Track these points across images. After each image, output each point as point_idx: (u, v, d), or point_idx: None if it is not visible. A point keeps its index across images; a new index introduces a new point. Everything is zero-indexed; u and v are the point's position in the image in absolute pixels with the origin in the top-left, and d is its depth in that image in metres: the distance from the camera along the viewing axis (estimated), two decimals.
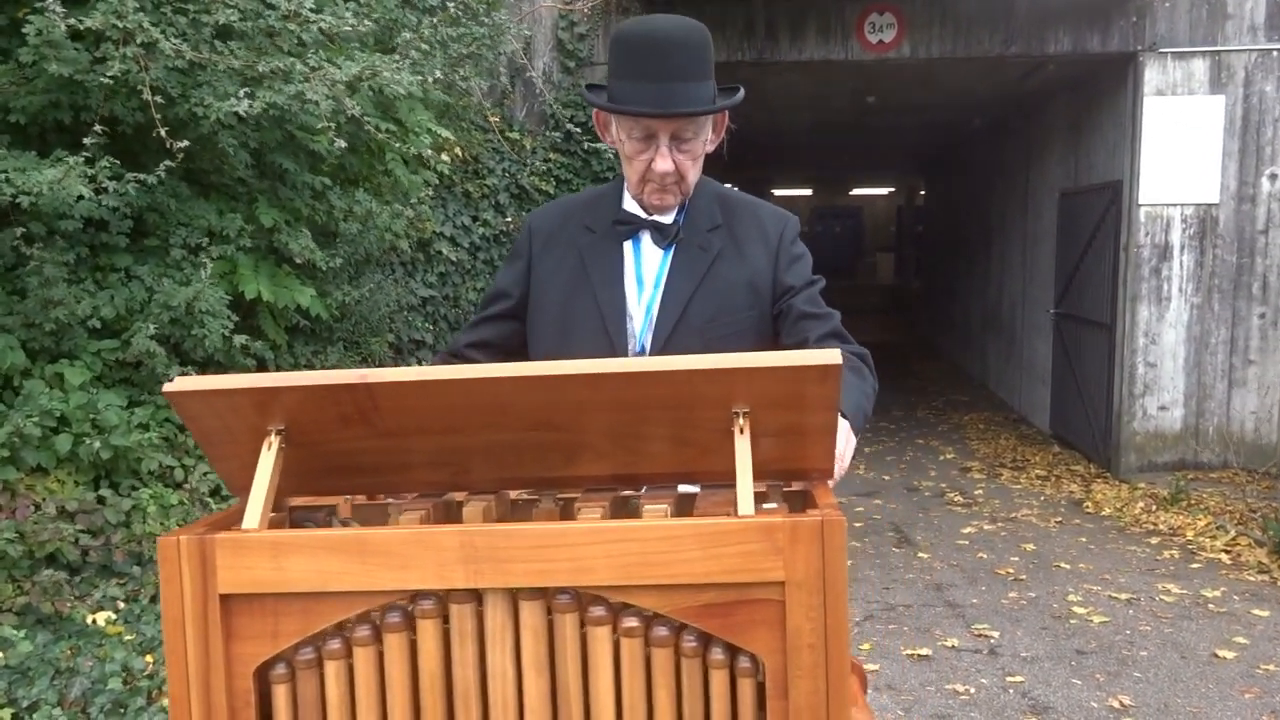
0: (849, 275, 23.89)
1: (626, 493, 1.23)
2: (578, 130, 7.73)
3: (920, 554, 5.78)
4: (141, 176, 3.92)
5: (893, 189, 23.53)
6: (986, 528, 6.30)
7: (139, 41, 3.88)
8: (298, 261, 4.94)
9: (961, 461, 8.25)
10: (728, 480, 1.16)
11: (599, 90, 1.73)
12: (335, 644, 1.03)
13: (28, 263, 3.93)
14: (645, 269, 1.77)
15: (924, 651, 4.30)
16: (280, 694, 1.03)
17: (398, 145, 5.24)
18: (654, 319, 1.74)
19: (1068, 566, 5.44)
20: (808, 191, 24.10)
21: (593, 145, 8.09)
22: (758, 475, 1.15)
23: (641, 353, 1.73)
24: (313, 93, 4.28)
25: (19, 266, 4.04)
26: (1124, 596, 4.94)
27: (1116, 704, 3.76)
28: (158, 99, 3.98)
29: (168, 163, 3.96)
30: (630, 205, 1.79)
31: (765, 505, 1.11)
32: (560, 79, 8.33)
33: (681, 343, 1.71)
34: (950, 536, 6.11)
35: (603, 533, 0.98)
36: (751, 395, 1.03)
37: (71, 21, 3.73)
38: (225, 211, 4.70)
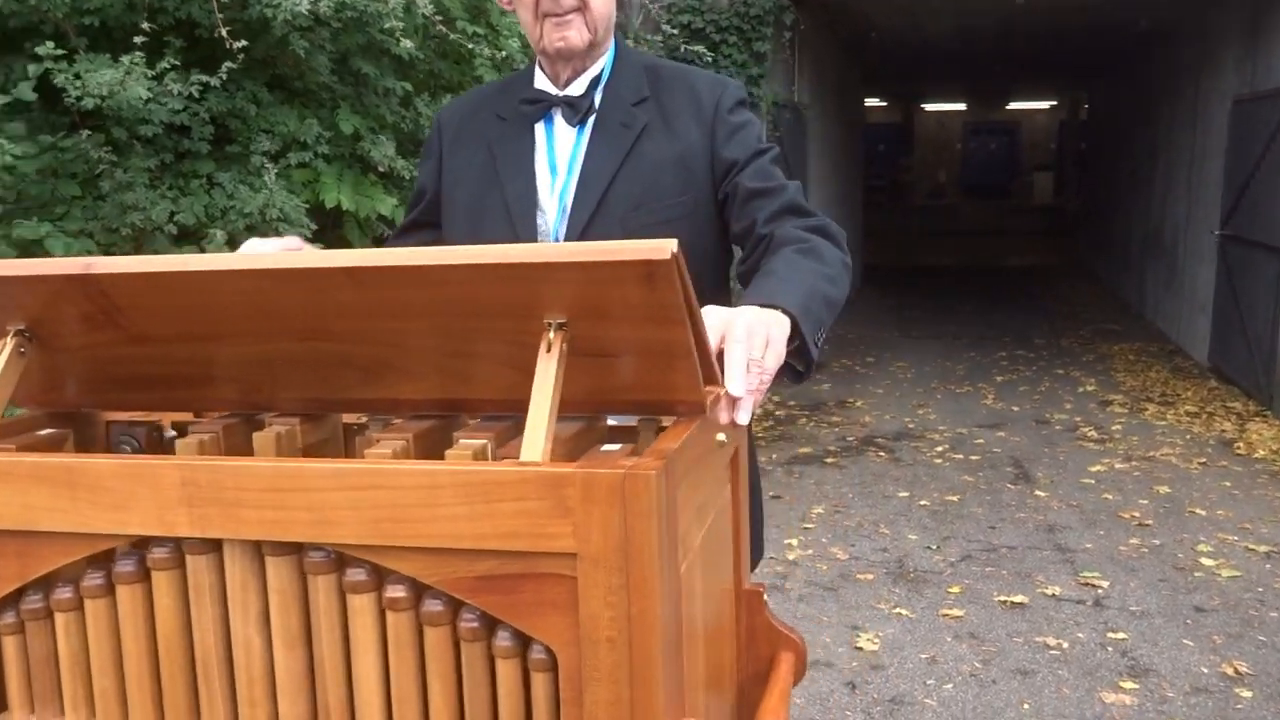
0: (1004, 195, 22.53)
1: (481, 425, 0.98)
2: (675, 33, 7.31)
3: (1037, 492, 5.33)
4: (205, 78, 3.84)
5: (1054, 102, 21.88)
6: (1118, 466, 5.76)
7: None
8: (380, 170, 4.84)
9: (1103, 394, 7.61)
10: (602, 411, 0.91)
11: None
12: (66, 593, 0.84)
13: (105, 166, 3.94)
14: (559, 153, 1.51)
15: (1019, 599, 3.94)
16: (10, 646, 0.86)
17: (486, 51, 5.01)
18: (568, 209, 1.47)
19: (1203, 513, 4.91)
20: (960, 106, 22.72)
21: (711, 59, 7.68)
22: (614, 408, 0.89)
23: None
24: None
25: (103, 173, 4.06)
26: (1263, 549, 4.40)
27: (1231, 671, 3.33)
28: None
29: (229, 64, 3.87)
30: (541, 82, 1.53)
31: (605, 447, 0.85)
32: None
33: (600, 236, 1.45)
34: (1075, 475, 5.62)
35: (346, 475, 0.75)
36: (564, 301, 0.76)
37: None
38: (306, 118, 4.62)
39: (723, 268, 1.61)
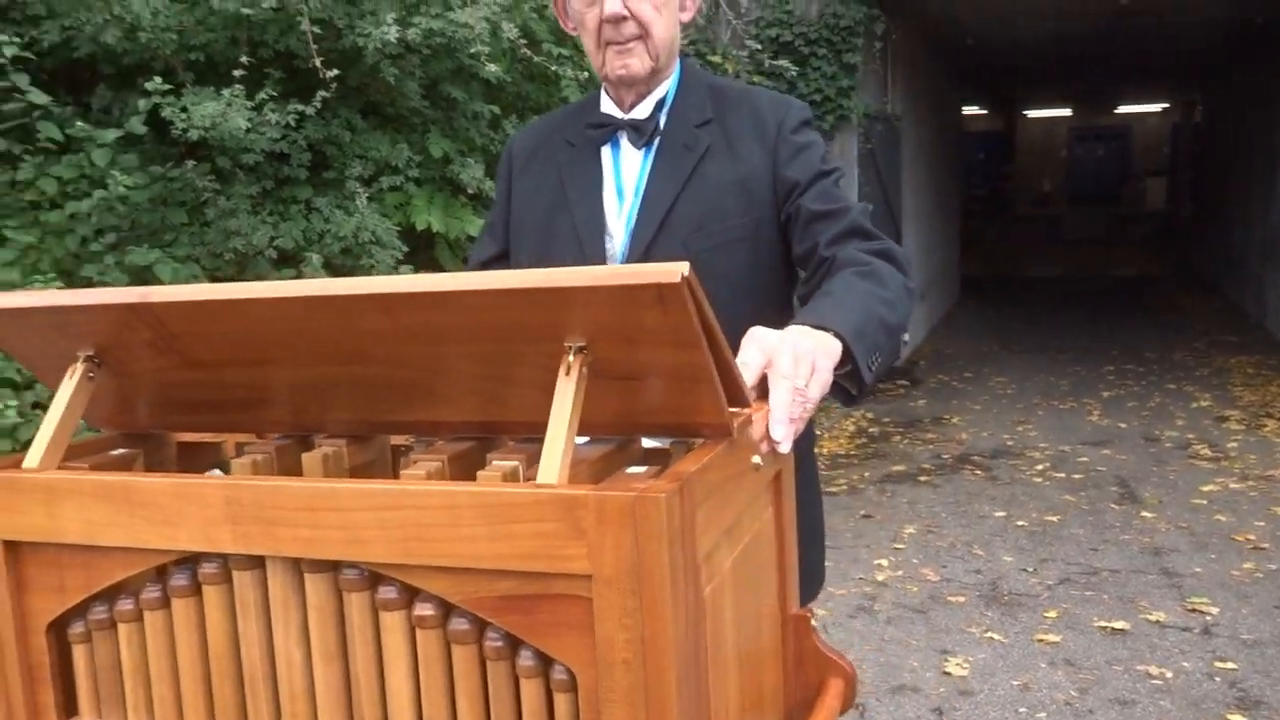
0: (1113, 202, 21.74)
1: (525, 444, 1.01)
2: (760, 48, 7.28)
3: (1144, 512, 5.13)
4: (300, 107, 4.01)
5: (1166, 105, 21.04)
6: (1233, 486, 5.50)
7: None
8: (470, 192, 4.95)
9: (1218, 410, 7.28)
10: (639, 433, 0.93)
11: None
12: (128, 604, 0.89)
13: (209, 194, 4.14)
14: (625, 177, 1.53)
15: (1121, 625, 3.79)
16: (80, 655, 0.92)
17: (571, 72, 5.09)
18: (633, 232, 1.49)
19: None
20: (1065, 111, 22.04)
21: (799, 72, 7.64)
22: (644, 430, 0.90)
23: None
24: (467, 17, 4.21)
25: (208, 201, 4.26)
26: None
27: None
28: (315, 29, 4.03)
29: (323, 93, 4.02)
30: (607, 107, 1.55)
31: (631, 469, 0.86)
32: None
33: (662, 258, 1.46)
34: (1185, 494, 5.38)
35: (374, 496, 0.77)
36: (584, 324, 0.78)
37: None
38: (397, 143, 4.77)
39: (787, 289, 1.61)
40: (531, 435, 0.95)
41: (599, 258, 1.51)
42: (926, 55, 10.52)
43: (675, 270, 0.72)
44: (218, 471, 1.04)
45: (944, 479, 5.83)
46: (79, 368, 0.94)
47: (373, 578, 0.81)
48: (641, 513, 0.70)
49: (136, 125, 3.88)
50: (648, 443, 0.99)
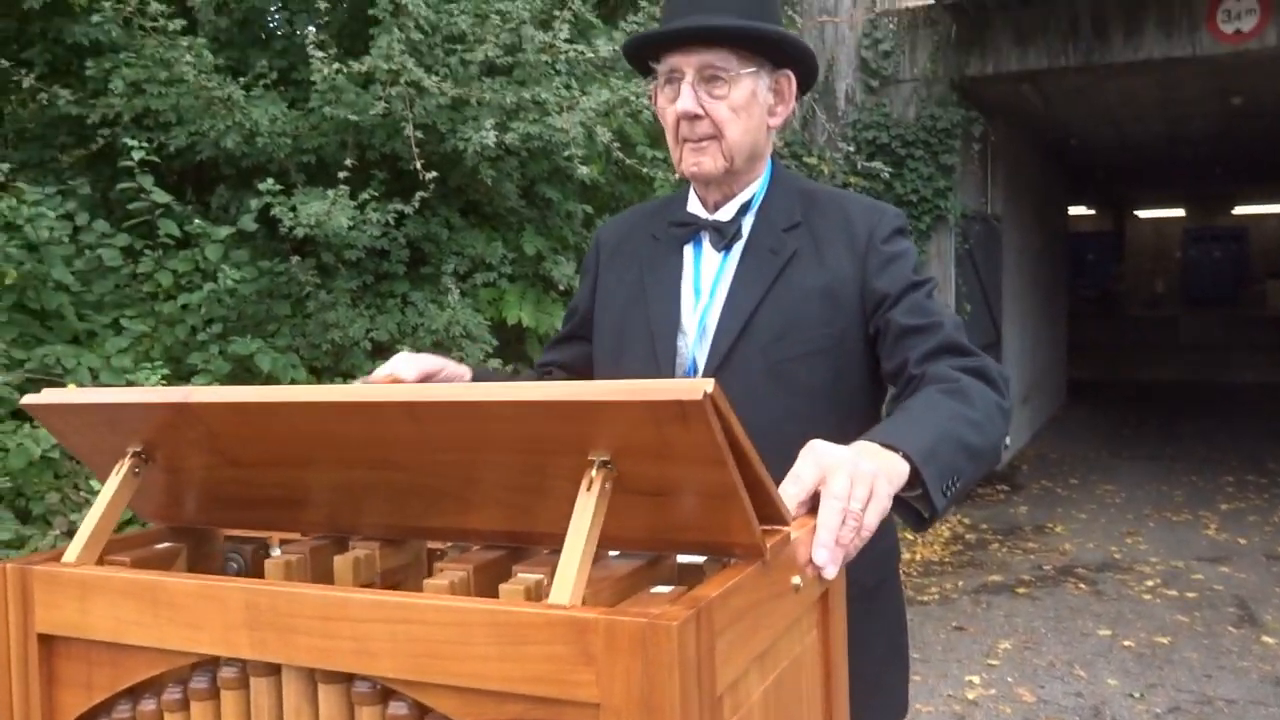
0: (1231, 304, 20.89)
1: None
2: (853, 150, 7.30)
3: (1265, 637, 4.76)
4: (400, 206, 4.17)
5: None
6: None
7: (404, 81, 4.13)
8: (560, 288, 5.04)
9: None
10: (673, 549, 0.90)
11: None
12: (150, 705, 0.89)
13: (311, 288, 4.31)
14: (704, 276, 1.51)
15: None
16: None
17: (662, 174, 5.19)
18: (709, 334, 1.46)
19: None
20: (1179, 212, 21.45)
21: (895, 173, 7.64)
22: (675, 547, 0.87)
23: (690, 375, 1.46)
24: (564, 122, 4.34)
25: (310, 294, 4.44)
26: None
27: None
28: (418, 134, 4.21)
29: (421, 193, 4.18)
30: (693, 205, 1.54)
31: (657, 589, 0.82)
32: (863, 99, 7.97)
33: (741, 365, 1.43)
34: None
35: (384, 608, 0.76)
36: (608, 439, 0.76)
37: (345, 67, 4.05)
38: (492, 240, 4.91)
39: (873, 404, 1.55)
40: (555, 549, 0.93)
41: (669, 356, 1.49)
42: (1029, 155, 10.42)
43: (699, 387, 0.70)
44: (234, 562, 1.04)
45: (1044, 592, 5.54)
46: (126, 463, 0.96)
47: (384, 692, 0.79)
48: (653, 640, 0.67)
49: (247, 222, 4.08)
50: (684, 558, 0.95)
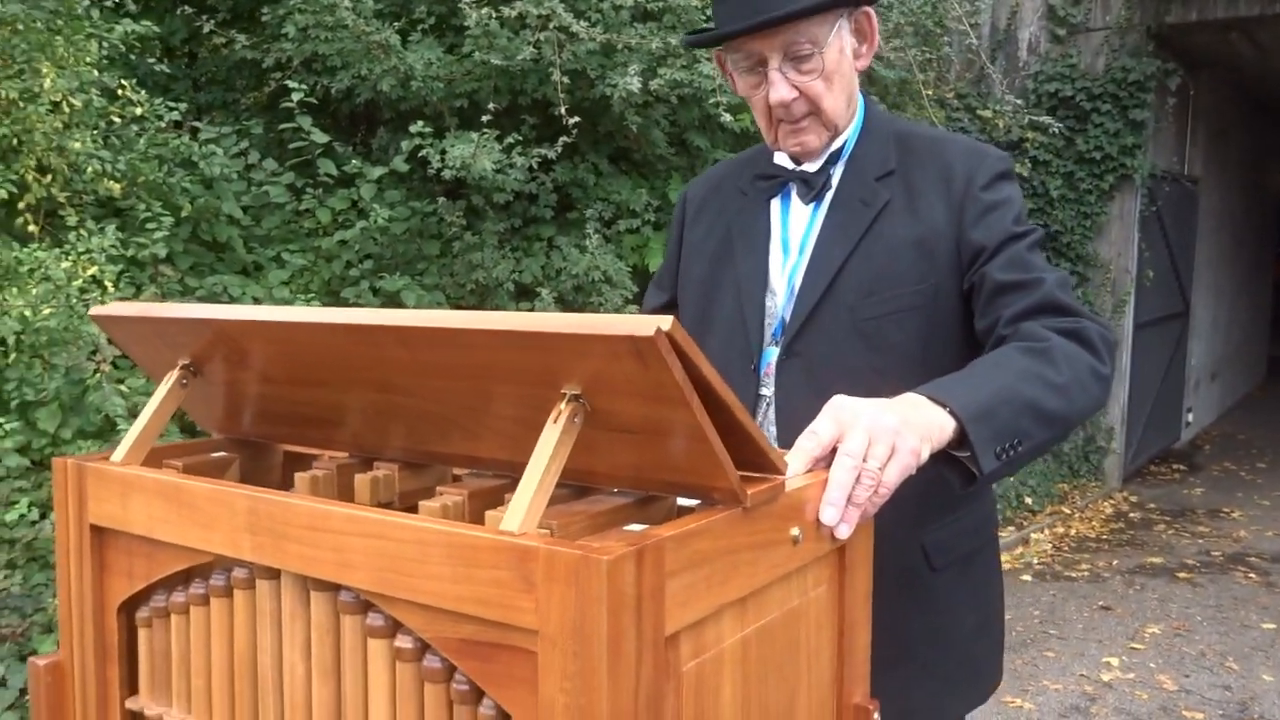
0: None
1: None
2: (1041, 107, 6.88)
3: None
4: (543, 151, 4.23)
5: None
6: None
7: (553, 26, 4.17)
8: None
9: None
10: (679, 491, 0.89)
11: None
12: (180, 596, 0.96)
13: (457, 229, 4.45)
14: (792, 231, 1.45)
15: None
16: (144, 638, 0.99)
17: None
18: (796, 291, 1.41)
19: None
20: None
21: (1077, 128, 7.17)
22: (655, 488, 0.86)
23: (779, 334, 1.42)
24: (712, 69, 4.29)
25: (458, 235, 4.59)
26: None
27: None
28: (566, 80, 4.25)
29: (564, 139, 4.22)
30: (779, 157, 1.47)
31: (630, 526, 0.82)
32: (1048, 49, 7.48)
33: (827, 323, 1.37)
34: None
35: (361, 522, 0.79)
36: (579, 373, 0.76)
37: (496, 11, 4.12)
38: (638, 187, 4.92)
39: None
40: (566, 482, 0.94)
41: (757, 315, 1.44)
42: (1236, 112, 9.54)
43: (653, 324, 0.69)
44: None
45: (1208, 579, 5.18)
46: (174, 374, 1.03)
47: (365, 604, 0.82)
48: (585, 572, 0.67)
49: (399, 164, 4.25)
50: (688, 501, 0.94)
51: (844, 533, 0.94)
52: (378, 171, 4.27)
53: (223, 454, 1.11)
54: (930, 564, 1.42)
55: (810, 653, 0.95)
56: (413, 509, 1.01)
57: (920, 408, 1.05)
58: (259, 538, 0.85)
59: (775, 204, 1.48)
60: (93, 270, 3.30)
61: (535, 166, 4.37)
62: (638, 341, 0.69)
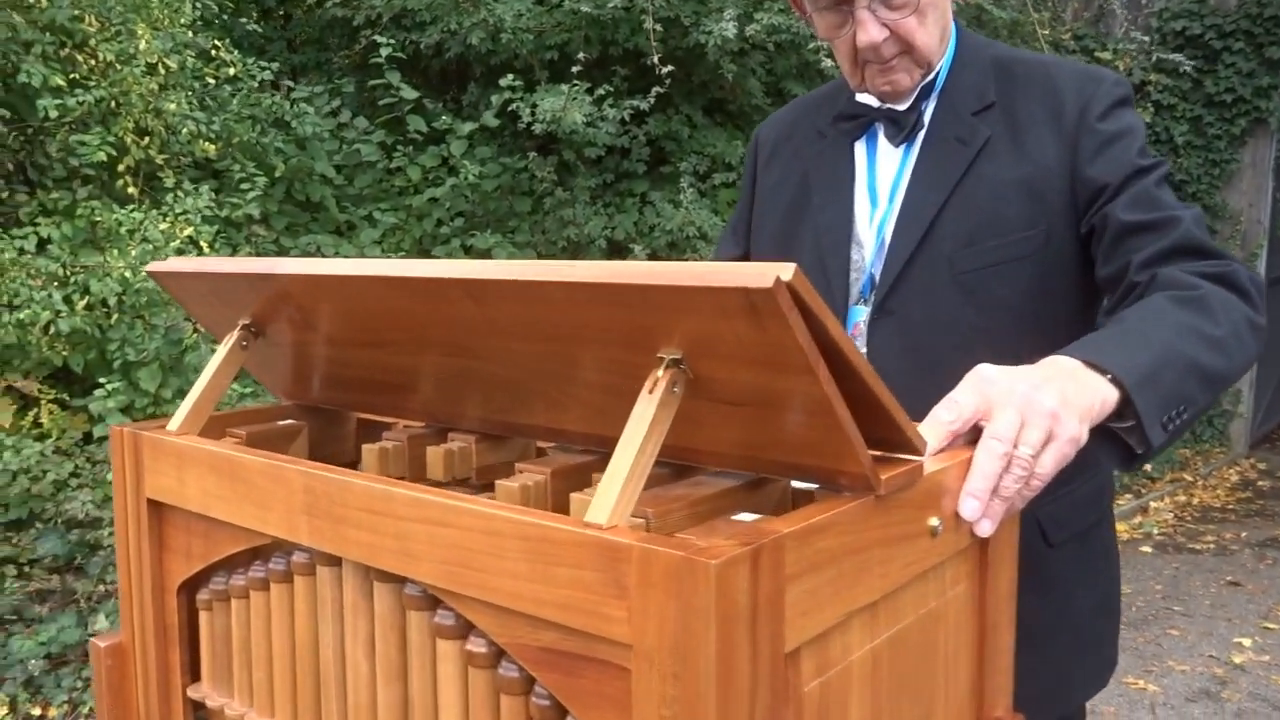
0: None
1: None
2: (1165, 46, 6.41)
3: None
4: (635, 103, 4.09)
5: None
6: None
7: None
8: None
9: None
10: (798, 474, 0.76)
11: None
12: (240, 579, 0.87)
13: (548, 185, 4.36)
14: (880, 177, 1.29)
15: None
16: (204, 622, 0.91)
17: None
18: (887, 243, 1.26)
19: None
20: None
21: (1206, 69, 6.67)
22: (770, 469, 0.73)
23: (867, 291, 1.27)
24: None
25: (549, 191, 4.49)
26: None
27: None
28: (659, 28, 4.08)
29: (657, 88, 4.07)
30: (865, 95, 1.31)
31: (740, 516, 0.69)
32: None
33: (923, 277, 1.22)
34: None
35: (424, 507, 0.68)
36: (680, 334, 0.63)
37: None
38: (734, 139, 4.74)
39: (1086, 320, 1.30)
40: (662, 459, 0.81)
41: (841, 271, 1.30)
42: None
43: (770, 273, 0.56)
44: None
45: None
46: (234, 335, 0.94)
47: (433, 599, 0.71)
48: (689, 578, 0.55)
49: (489, 118, 4.16)
50: (802, 484, 0.81)
51: (985, 529, 0.80)
52: (468, 127, 4.19)
53: (291, 422, 1.02)
54: (1046, 539, 1.28)
55: (947, 661, 0.81)
56: (490, 487, 0.91)
57: (1078, 378, 0.90)
58: (316, 520, 0.76)
59: (859, 147, 1.33)
60: (189, 231, 3.30)
61: (627, 119, 4.24)
62: (753, 294, 0.56)
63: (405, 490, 0.69)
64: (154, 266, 0.96)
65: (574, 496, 0.72)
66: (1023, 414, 0.81)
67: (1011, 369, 0.86)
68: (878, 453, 0.71)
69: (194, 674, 0.94)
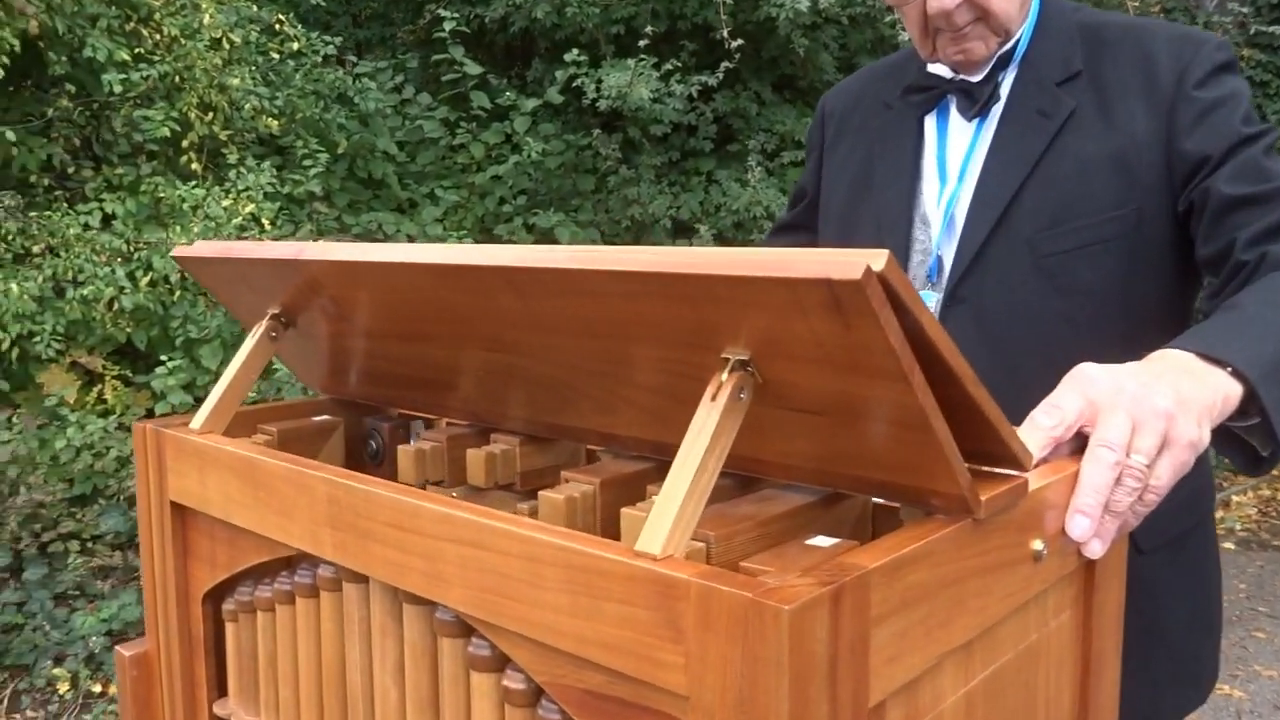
0: None
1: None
2: (1261, 18, 6.07)
3: None
4: (703, 78, 3.97)
5: None
6: None
7: None
8: None
9: None
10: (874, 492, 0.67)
11: None
12: (266, 592, 0.81)
13: (612, 162, 4.27)
14: (951, 154, 1.19)
15: None
16: (230, 634, 0.85)
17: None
18: (957, 224, 1.15)
19: None
20: None
21: (1265, 30, 6.30)
22: (856, 487, 0.64)
23: (934, 275, 1.17)
24: None
25: (614, 169, 4.40)
26: None
27: None
28: (728, 0, 3.95)
29: (726, 64, 3.95)
30: (937, 65, 1.20)
31: (816, 540, 0.60)
32: None
33: (1000, 261, 1.12)
34: None
35: (454, 525, 0.60)
36: (748, 332, 0.54)
37: None
38: (804, 116, 4.59)
39: (1182, 308, 1.18)
40: (725, 470, 0.73)
41: (903, 253, 1.20)
42: None
43: (857, 261, 0.46)
44: (374, 441, 0.93)
45: None
46: (263, 325, 0.87)
47: (467, 627, 0.64)
48: (757, 624, 0.46)
49: (553, 95, 4.08)
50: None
51: (1096, 550, 0.70)
52: (531, 103, 4.12)
53: (326, 418, 0.96)
54: (1138, 546, 1.17)
55: (1048, 700, 0.72)
56: (534, 495, 0.83)
57: (1194, 373, 0.79)
58: (340, 534, 0.68)
59: (929, 121, 1.23)
60: (250, 208, 3.29)
61: (694, 95, 4.13)
62: (837, 287, 0.47)
63: (434, 505, 0.61)
64: (179, 251, 0.89)
65: (625, 512, 0.64)
66: (1134, 417, 0.71)
67: (1116, 366, 0.76)
68: (972, 465, 0.61)
69: (221, 688, 0.88)
